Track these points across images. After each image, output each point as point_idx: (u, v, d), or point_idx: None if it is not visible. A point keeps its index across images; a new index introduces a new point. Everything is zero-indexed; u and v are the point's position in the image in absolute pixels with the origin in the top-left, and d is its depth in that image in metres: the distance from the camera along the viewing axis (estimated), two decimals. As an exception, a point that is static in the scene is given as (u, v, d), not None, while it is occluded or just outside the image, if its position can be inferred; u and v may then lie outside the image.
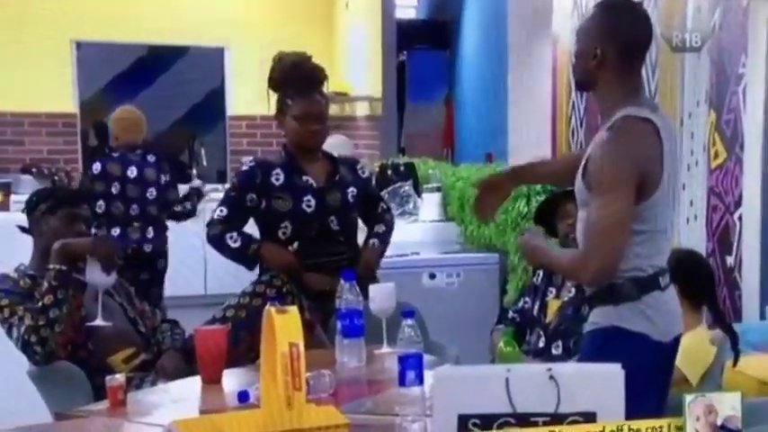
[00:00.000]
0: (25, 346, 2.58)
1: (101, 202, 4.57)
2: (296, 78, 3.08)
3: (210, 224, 3.09)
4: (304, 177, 3.11)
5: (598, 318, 2.17)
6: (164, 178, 4.72)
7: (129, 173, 4.61)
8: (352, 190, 3.17)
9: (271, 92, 3.14)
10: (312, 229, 3.06)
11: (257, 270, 3.12)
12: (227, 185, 3.25)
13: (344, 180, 3.18)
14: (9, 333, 2.64)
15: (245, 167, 3.14)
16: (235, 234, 3.04)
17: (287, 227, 3.05)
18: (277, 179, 3.08)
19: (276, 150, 3.27)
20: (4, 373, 2.81)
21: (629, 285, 2.12)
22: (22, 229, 2.86)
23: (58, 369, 2.61)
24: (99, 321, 2.65)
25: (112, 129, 4.81)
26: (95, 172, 4.59)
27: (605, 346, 2.14)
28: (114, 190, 4.59)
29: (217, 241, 3.07)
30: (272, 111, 3.15)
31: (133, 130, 4.78)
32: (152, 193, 4.67)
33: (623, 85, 2.18)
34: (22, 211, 2.90)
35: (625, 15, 2.22)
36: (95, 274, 2.65)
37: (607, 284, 2.14)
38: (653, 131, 2.11)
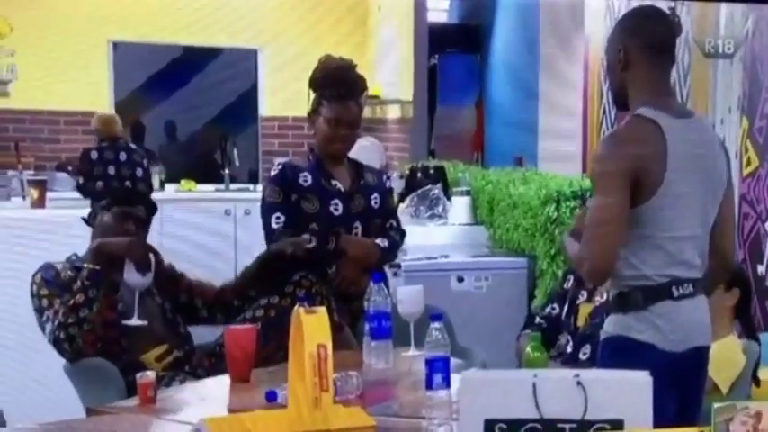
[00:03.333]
0: (55, 342, 2.62)
1: None
2: (335, 82, 3.10)
3: (275, 234, 3.04)
4: (332, 181, 3.13)
5: (609, 326, 2.18)
6: None
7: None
8: (375, 196, 3.19)
9: (311, 92, 3.17)
10: (338, 234, 3.08)
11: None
12: (262, 194, 3.19)
13: (369, 186, 3.19)
14: (42, 325, 2.69)
15: (273, 171, 3.16)
16: (306, 235, 3.02)
17: (313, 229, 3.07)
18: (305, 181, 3.10)
19: (307, 153, 3.30)
20: (44, 367, 2.86)
21: (635, 294, 2.11)
22: (85, 220, 2.91)
23: (91, 365, 2.65)
24: (135, 321, 2.69)
25: None
26: None
27: (613, 354, 2.14)
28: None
29: None
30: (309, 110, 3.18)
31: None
32: None
33: (646, 86, 2.17)
34: (85, 197, 2.93)
35: (645, 17, 2.24)
36: (131, 275, 2.69)
37: (617, 293, 2.13)
38: (655, 131, 2.08)
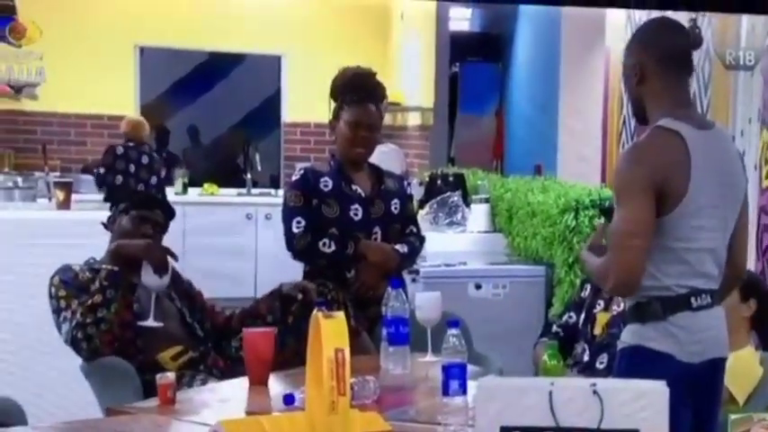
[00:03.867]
0: (72, 342, 2.66)
1: None
2: (354, 87, 3.14)
3: (295, 239, 3.07)
4: (353, 186, 3.15)
5: (627, 336, 2.17)
6: None
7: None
8: (395, 201, 3.20)
9: (332, 102, 3.20)
10: (357, 239, 3.10)
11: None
12: (283, 199, 3.21)
13: (389, 191, 3.21)
14: (59, 326, 2.73)
15: (295, 176, 3.18)
16: (326, 239, 3.05)
17: (333, 233, 3.09)
18: (326, 185, 3.13)
19: (328, 158, 3.33)
20: (64, 366, 2.90)
21: (654, 304, 2.10)
22: (104, 225, 2.96)
23: (108, 365, 2.67)
24: (150, 322, 2.72)
25: None
26: None
27: (630, 364, 2.12)
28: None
29: (308, 252, 3.07)
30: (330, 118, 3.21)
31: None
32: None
33: (664, 98, 2.16)
34: (105, 200, 2.96)
35: (660, 29, 2.24)
36: (148, 277, 2.73)
37: (635, 303, 2.13)
38: (678, 142, 2.07)
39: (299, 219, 3.08)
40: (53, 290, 2.76)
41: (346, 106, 3.12)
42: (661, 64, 2.16)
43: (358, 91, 3.13)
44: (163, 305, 2.82)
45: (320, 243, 3.05)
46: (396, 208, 3.20)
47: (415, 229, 3.28)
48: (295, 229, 3.07)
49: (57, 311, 2.74)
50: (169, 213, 2.95)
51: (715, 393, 2.25)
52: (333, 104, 3.19)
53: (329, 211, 3.10)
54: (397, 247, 3.16)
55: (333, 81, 3.19)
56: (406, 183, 3.36)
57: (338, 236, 3.07)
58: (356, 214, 3.11)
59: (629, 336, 2.16)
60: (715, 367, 2.20)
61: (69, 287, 2.75)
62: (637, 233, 2.04)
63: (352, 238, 3.07)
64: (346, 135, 3.13)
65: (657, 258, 2.08)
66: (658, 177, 2.04)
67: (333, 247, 3.04)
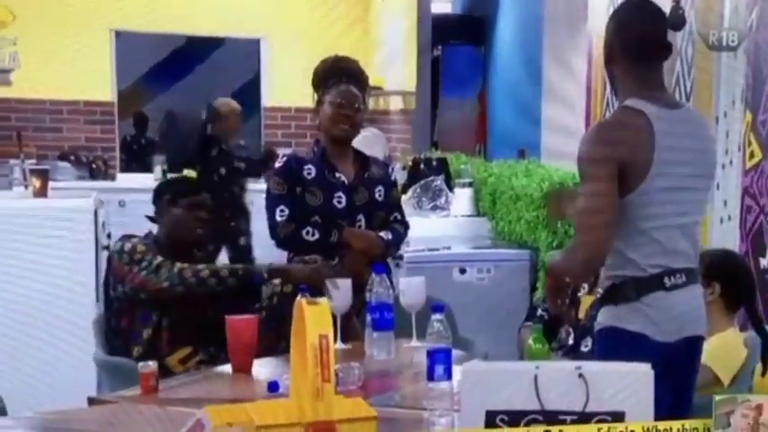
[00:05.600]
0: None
1: None
2: (336, 70, 3.15)
3: (278, 227, 3.04)
4: (336, 174, 3.13)
5: (602, 318, 2.19)
6: None
7: None
8: (380, 189, 3.19)
9: (314, 94, 3.19)
10: (341, 227, 3.09)
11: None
12: (266, 186, 3.20)
13: (374, 178, 3.19)
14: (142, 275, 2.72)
15: (278, 163, 3.16)
16: (310, 228, 3.03)
17: (316, 221, 3.07)
18: (309, 173, 3.10)
19: (311, 143, 3.31)
20: (44, 355, 2.87)
21: (628, 285, 2.11)
22: (150, 219, 2.98)
23: (119, 363, 2.68)
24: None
25: None
26: None
27: (606, 346, 2.15)
28: None
29: (292, 240, 3.04)
30: (314, 104, 3.20)
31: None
32: None
33: (633, 80, 2.18)
34: (153, 202, 3.00)
35: (631, 11, 2.25)
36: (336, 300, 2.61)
37: (609, 284, 2.14)
38: (642, 122, 2.08)
39: (282, 207, 3.06)
40: (116, 257, 2.77)
41: (329, 90, 3.11)
42: (630, 46, 2.18)
43: (340, 74, 3.13)
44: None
45: (303, 231, 3.04)
46: (380, 195, 3.18)
47: (399, 216, 3.26)
48: (278, 218, 3.05)
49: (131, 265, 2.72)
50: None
51: (692, 371, 2.27)
52: (315, 95, 3.17)
53: (312, 199, 3.08)
54: (382, 234, 3.15)
55: (314, 71, 3.19)
56: (390, 169, 3.34)
57: (322, 224, 3.05)
58: (339, 202, 3.09)
59: (604, 317, 2.18)
60: (691, 345, 2.22)
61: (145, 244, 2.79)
62: (601, 208, 2.06)
63: (336, 226, 3.05)
64: (330, 114, 3.11)
65: (629, 240, 2.10)
66: (620, 155, 2.06)
67: (317, 236, 3.02)
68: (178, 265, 2.70)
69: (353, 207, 3.11)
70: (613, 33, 2.21)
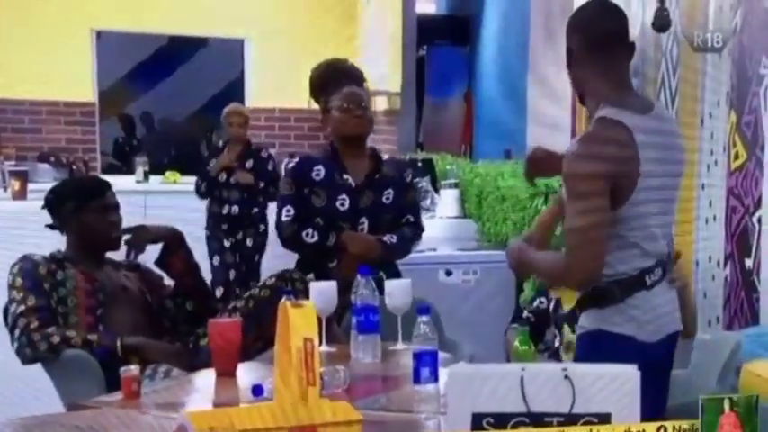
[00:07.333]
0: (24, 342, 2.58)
1: None
2: (333, 74, 3.23)
3: (282, 227, 3.12)
4: (344, 176, 3.14)
5: (585, 321, 2.17)
6: None
7: None
8: (389, 191, 3.18)
9: (311, 100, 3.24)
10: (342, 229, 3.09)
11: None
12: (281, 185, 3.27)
13: (384, 180, 3.19)
14: (5, 314, 2.65)
15: (291, 164, 3.24)
16: (310, 230, 3.08)
17: (317, 223, 3.08)
18: (317, 175, 3.15)
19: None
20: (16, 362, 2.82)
21: (612, 288, 2.10)
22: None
23: (70, 359, 2.60)
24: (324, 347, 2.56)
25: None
26: None
27: (592, 349, 2.13)
28: None
29: (292, 241, 3.11)
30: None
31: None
32: None
33: (600, 82, 2.14)
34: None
35: (590, 11, 2.21)
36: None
37: (591, 288, 2.13)
38: (625, 136, 2.05)
39: (288, 207, 3.12)
40: (10, 278, 2.68)
41: (332, 95, 3.16)
42: (591, 47, 2.14)
43: (338, 77, 3.20)
44: (129, 295, 2.76)
45: (303, 233, 3.09)
46: (388, 198, 3.19)
47: (412, 219, 3.26)
48: (284, 218, 3.13)
49: (10, 302, 2.66)
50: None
51: (669, 366, 2.28)
52: (312, 101, 3.25)
53: (317, 201, 3.13)
54: (385, 237, 3.14)
55: (310, 80, 3.27)
56: (408, 171, 3.33)
57: (322, 226, 3.09)
58: (342, 204, 3.12)
59: (588, 321, 2.16)
60: (672, 342, 2.24)
61: (26, 277, 2.66)
62: (596, 225, 2.03)
63: (337, 229, 3.07)
64: (340, 118, 3.15)
65: (613, 247, 2.09)
66: (610, 173, 2.04)
67: (315, 238, 3.07)
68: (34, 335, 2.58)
69: (357, 210, 3.13)
70: (573, 36, 2.17)
